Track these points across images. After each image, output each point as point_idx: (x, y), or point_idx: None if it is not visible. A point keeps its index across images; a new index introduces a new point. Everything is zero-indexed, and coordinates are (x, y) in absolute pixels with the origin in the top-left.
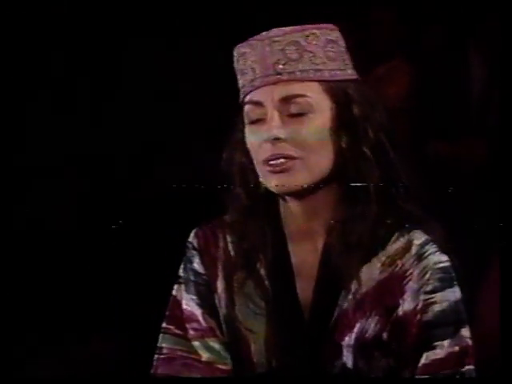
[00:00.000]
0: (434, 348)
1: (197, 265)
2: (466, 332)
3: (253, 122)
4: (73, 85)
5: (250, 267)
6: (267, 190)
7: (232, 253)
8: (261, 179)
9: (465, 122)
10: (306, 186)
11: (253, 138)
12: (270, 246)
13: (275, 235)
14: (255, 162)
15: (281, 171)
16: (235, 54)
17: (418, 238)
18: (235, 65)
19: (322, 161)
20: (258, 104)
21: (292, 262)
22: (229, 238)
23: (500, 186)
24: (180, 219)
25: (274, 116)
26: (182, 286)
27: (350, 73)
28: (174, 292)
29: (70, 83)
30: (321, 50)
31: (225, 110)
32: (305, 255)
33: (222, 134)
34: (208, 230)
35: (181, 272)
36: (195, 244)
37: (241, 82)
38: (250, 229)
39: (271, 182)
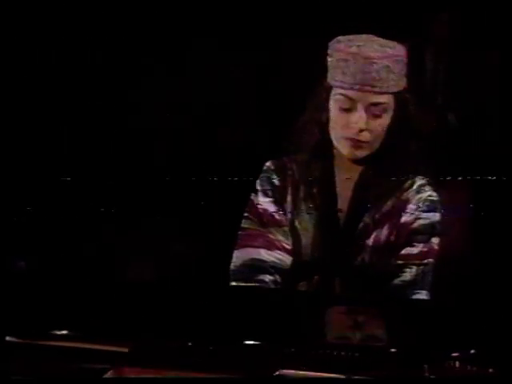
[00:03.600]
0: (412, 246)
1: (275, 180)
2: (435, 240)
3: (343, 110)
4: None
5: (308, 189)
6: (327, 147)
7: (297, 178)
8: (334, 142)
9: (422, 101)
10: (366, 156)
11: (342, 120)
12: (323, 176)
13: (328, 170)
14: (335, 131)
15: (357, 148)
16: (338, 55)
17: (420, 180)
18: (334, 60)
19: (379, 142)
20: (352, 100)
21: (336, 188)
22: (295, 168)
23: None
24: None
25: (362, 114)
26: (260, 193)
27: (405, 81)
28: (251, 197)
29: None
30: (399, 71)
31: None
32: (345, 185)
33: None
34: (280, 161)
35: (257, 185)
36: (272, 167)
37: (339, 77)
38: (312, 164)
39: (345, 150)
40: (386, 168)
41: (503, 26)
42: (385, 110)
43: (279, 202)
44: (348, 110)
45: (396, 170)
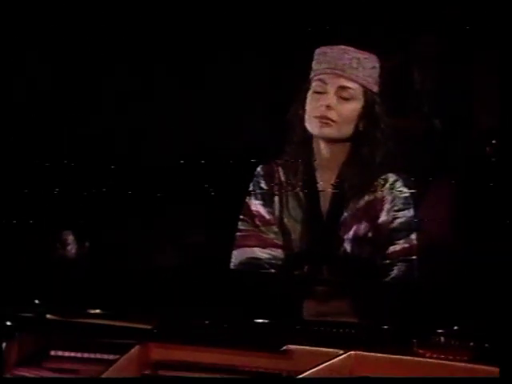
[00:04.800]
0: (394, 244)
1: (263, 184)
2: (413, 236)
3: (316, 92)
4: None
5: (293, 189)
6: (307, 143)
7: (282, 179)
8: (307, 126)
9: (410, 110)
10: (334, 137)
11: (314, 101)
12: (305, 176)
13: (309, 170)
14: (308, 115)
15: (324, 125)
16: (318, 52)
17: (392, 177)
18: (317, 56)
19: (347, 128)
20: (324, 83)
21: (318, 188)
22: (281, 171)
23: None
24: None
25: (331, 94)
26: (252, 197)
27: (376, 88)
28: (246, 200)
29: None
30: (368, 69)
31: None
32: (325, 184)
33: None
34: (268, 166)
35: (251, 188)
36: (261, 172)
37: (316, 67)
38: (295, 166)
39: (315, 128)
40: (360, 167)
41: (490, 35)
42: (352, 97)
43: (268, 203)
44: (320, 93)
45: (370, 168)
